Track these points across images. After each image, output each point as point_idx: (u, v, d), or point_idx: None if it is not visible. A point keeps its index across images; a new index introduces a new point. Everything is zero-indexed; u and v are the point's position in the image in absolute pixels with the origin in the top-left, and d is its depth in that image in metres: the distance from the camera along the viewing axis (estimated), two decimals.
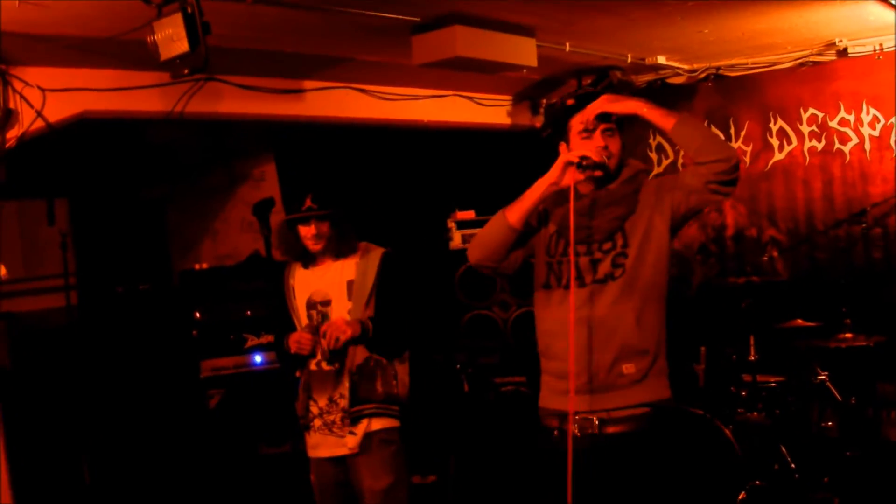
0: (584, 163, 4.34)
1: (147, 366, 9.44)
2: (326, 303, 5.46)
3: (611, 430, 4.45)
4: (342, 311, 5.41)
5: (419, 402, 5.66)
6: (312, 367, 5.45)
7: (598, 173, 4.43)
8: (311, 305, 5.49)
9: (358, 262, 5.48)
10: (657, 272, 4.52)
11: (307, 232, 5.38)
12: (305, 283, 5.56)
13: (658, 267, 4.51)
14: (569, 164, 4.35)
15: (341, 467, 5.46)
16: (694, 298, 8.73)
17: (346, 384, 5.35)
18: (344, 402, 5.36)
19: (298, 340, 5.35)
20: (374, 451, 5.36)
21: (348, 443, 5.35)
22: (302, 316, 5.52)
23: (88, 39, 5.95)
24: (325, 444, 5.45)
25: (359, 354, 5.37)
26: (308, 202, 5.34)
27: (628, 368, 4.43)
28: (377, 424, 5.37)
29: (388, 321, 5.39)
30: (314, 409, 5.46)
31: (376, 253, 5.52)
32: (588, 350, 4.44)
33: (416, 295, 5.62)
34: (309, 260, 5.55)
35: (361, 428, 5.34)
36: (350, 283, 5.44)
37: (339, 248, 5.49)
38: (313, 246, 5.42)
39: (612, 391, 4.44)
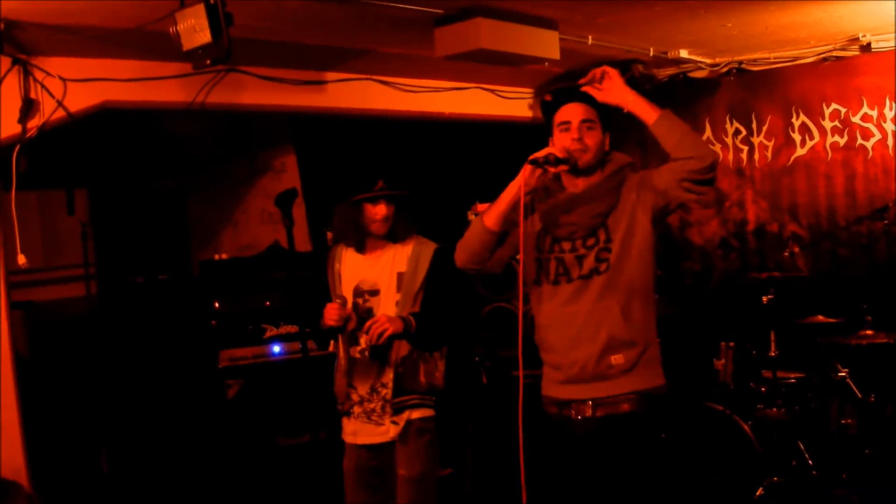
0: (541, 160, 4.42)
1: (165, 356, 9.47)
2: (374, 292, 5.50)
3: (603, 412, 4.56)
4: (389, 302, 5.46)
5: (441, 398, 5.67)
6: (356, 354, 5.49)
7: (561, 167, 4.51)
8: (357, 293, 5.53)
9: (410, 255, 5.51)
10: (642, 265, 4.58)
11: (376, 213, 5.41)
12: (354, 270, 5.58)
13: (643, 260, 4.58)
14: (532, 162, 4.44)
15: (375, 454, 5.50)
16: (714, 293, 8.73)
17: (391, 375, 5.39)
18: (386, 392, 5.41)
19: (327, 310, 5.39)
20: (410, 441, 5.41)
21: (389, 432, 5.41)
22: (347, 302, 5.52)
23: (110, 30, 5.95)
24: (364, 432, 5.49)
25: (403, 346, 5.40)
26: (381, 184, 5.41)
27: (617, 360, 4.53)
28: (417, 414, 5.42)
29: (433, 318, 5.42)
30: (354, 397, 5.49)
31: (429, 247, 5.55)
32: (577, 342, 4.56)
33: (462, 293, 5.66)
34: (363, 246, 5.57)
35: (403, 418, 5.39)
36: (400, 276, 5.47)
37: (402, 231, 5.54)
38: (379, 228, 5.44)
39: (603, 381, 4.56)
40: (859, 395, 7.17)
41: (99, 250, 10.30)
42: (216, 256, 9.35)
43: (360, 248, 5.56)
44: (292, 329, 8.56)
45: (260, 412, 8.59)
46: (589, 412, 4.56)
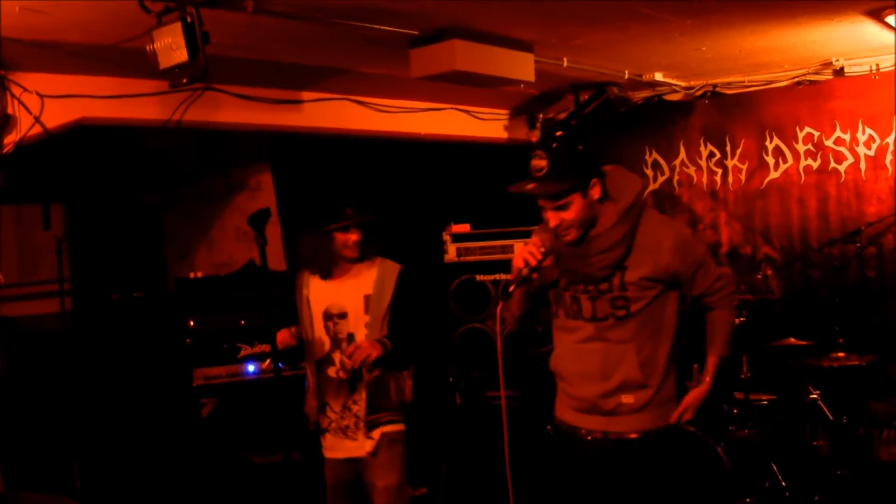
0: (524, 273, 4.34)
1: (140, 373, 9.43)
2: (343, 315, 5.64)
3: (614, 437, 4.60)
4: (359, 324, 5.61)
5: (411, 414, 5.77)
6: (331, 374, 5.66)
7: (546, 263, 4.39)
8: (327, 317, 5.68)
9: (375, 277, 5.65)
10: (664, 310, 4.59)
11: (348, 240, 5.55)
12: (322, 294, 5.72)
13: (666, 305, 4.59)
14: (519, 280, 4.37)
15: (352, 467, 5.67)
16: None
17: (363, 394, 5.57)
18: (357, 409, 5.59)
19: (278, 336, 5.64)
20: (385, 453, 5.59)
21: (364, 447, 5.58)
22: (318, 326, 5.70)
23: (88, 46, 5.95)
24: (341, 447, 5.68)
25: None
26: (348, 212, 5.53)
27: (627, 399, 4.55)
28: (389, 429, 5.60)
29: (403, 339, 5.57)
30: (330, 414, 5.67)
31: (393, 269, 5.71)
32: (590, 380, 4.60)
33: (428, 312, 5.79)
34: (329, 273, 5.68)
35: (377, 433, 5.57)
36: (367, 298, 5.62)
37: (370, 252, 5.68)
38: (351, 253, 5.58)
39: (614, 416, 4.59)
40: (831, 417, 7.21)
41: (74, 266, 10.25)
42: (191, 274, 9.32)
43: (327, 275, 5.70)
44: (267, 348, 8.54)
45: (234, 430, 8.58)
46: (599, 436, 4.62)
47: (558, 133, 4.57)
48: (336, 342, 5.64)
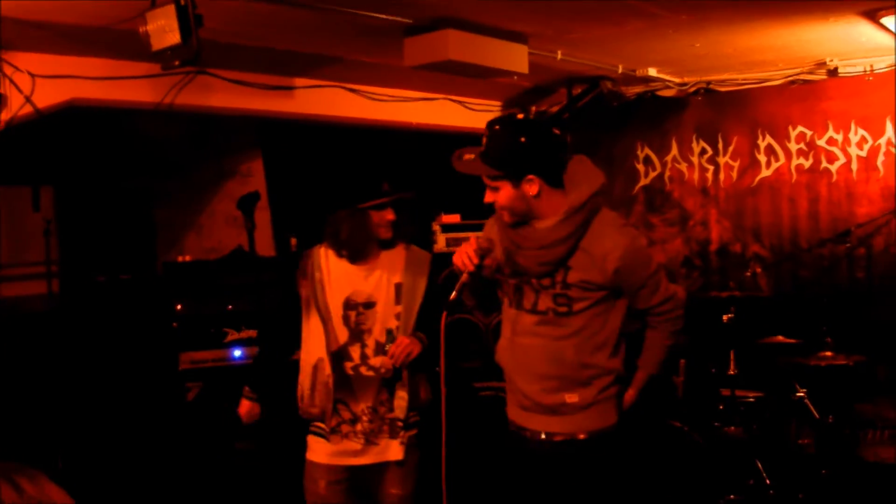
0: (464, 279, 4.25)
1: (126, 356, 9.42)
2: (370, 304, 5.09)
3: (559, 438, 4.48)
4: (388, 314, 5.09)
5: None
6: (349, 370, 5.07)
7: (487, 262, 4.32)
8: (349, 306, 5.09)
9: (405, 264, 5.16)
10: (610, 311, 4.42)
11: (383, 217, 5.03)
12: (343, 280, 5.12)
13: (612, 307, 4.42)
14: (459, 288, 4.26)
15: (358, 474, 5.14)
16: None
17: (402, 395, 5.07)
18: (384, 410, 5.07)
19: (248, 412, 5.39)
20: (407, 459, 5.13)
21: (387, 452, 5.09)
22: (335, 315, 5.08)
23: (81, 27, 5.94)
24: (354, 453, 5.10)
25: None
26: (386, 187, 5.07)
27: (571, 398, 4.39)
28: (413, 431, 5.15)
29: (434, 331, 4.83)
30: (345, 415, 5.08)
31: (424, 256, 5.27)
32: (530, 378, 4.48)
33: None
34: (361, 256, 5.11)
35: (406, 436, 5.10)
36: (398, 286, 5.11)
37: (403, 235, 5.17)
38: (385, 233, 5.05)
39: (557, 415, 4.45)
40: (817, 416, 7.21)
41: (63, 248, 10.26)
42: (179, 258, 9.31)
43: (359, 258, 5.11)
44: (253, 333, 8.54)
45: (219, 415, 8.56)
46: (543, 437, 4.48)
47: (520, 116, 4.44)
48: (356, 335, 5.05)
